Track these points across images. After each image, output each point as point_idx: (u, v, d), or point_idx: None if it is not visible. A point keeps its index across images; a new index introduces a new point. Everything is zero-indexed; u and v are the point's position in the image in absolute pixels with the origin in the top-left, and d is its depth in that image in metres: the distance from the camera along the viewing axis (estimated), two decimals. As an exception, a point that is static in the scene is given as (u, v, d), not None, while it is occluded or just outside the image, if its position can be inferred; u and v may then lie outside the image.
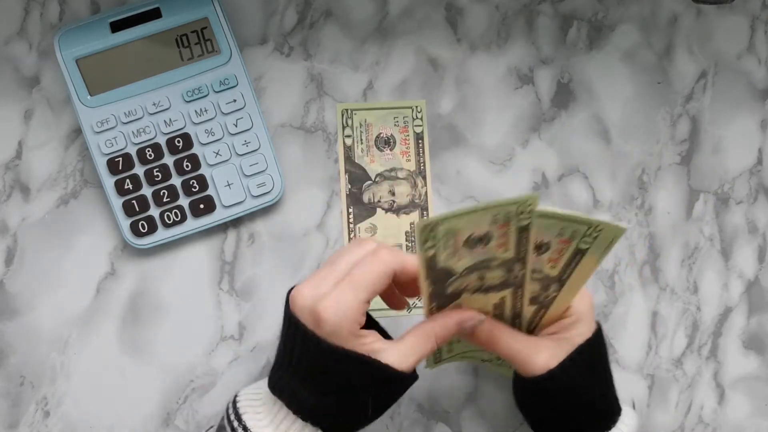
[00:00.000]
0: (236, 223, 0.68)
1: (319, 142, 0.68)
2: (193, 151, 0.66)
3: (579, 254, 0.54)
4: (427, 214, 0.68)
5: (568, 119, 0.69)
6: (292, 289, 0.55)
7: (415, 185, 0.68)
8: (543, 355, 0.57)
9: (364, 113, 0.68)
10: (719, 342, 0.68)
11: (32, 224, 0.67)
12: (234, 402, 0.57)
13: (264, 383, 0.57)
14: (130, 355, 0.67)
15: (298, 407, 0.54)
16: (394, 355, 0.54)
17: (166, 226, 0.66)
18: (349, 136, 0.68)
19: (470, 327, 0.56)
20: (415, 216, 0.68)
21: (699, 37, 0.69)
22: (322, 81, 0.68)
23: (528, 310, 0.58)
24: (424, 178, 0.68)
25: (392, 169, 0.68)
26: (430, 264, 0.52)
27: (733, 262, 0.69)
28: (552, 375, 0.56)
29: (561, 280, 0.56)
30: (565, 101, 0.69)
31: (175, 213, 0.66)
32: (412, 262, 0.54)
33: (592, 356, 0.58)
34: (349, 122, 0.68)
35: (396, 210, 0.68)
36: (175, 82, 0.65)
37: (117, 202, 0.66)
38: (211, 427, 0.61)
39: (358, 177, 0.68)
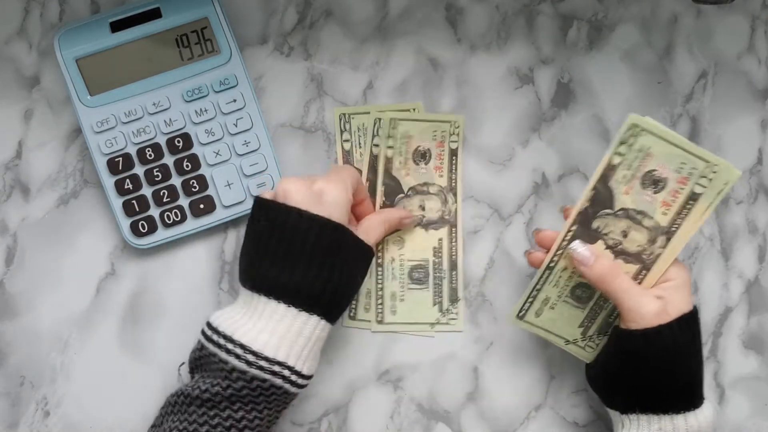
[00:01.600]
0: (236, 223, 0.68)
1: (319, 142, 0.68)
2: (193, 151, 0.66)
3: (692, 200, 0.55)
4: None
5: (568, 119, 0.69)
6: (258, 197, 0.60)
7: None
8: (656, 305, 0.57)
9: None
10: (719, 342, 0.68)
11: (32, 224, 0.67)
12: (214, 327, 0.58)
13: (239, 301, 0.59)
14: (130, 355, 0.67)
15: (293, 297, 0.57)
16: (362, 233, 0.61)
17: (166, 226, 0.66)
18: (347, 141, 0.68)
19: (407, 224, 0.66)
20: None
21: (699, 37, 0.69)
22: (322, 81, 0.68)
23: (628, 269, 0.58)
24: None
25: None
26: (386, 167, 0.60)
27: (733, 262, 0.69)
28: (661, 330, 0.56)
29: (669, 232, 0.56)
30: (565, 101, 0.69)
31: (175, 213, 0.66)
32: (365, 187, 0.65)
33: (696, 330, 0.58)
34: (347, 126, 0.68)
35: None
36: (175, 82, 0.65)
37: (117, 202, 0.66)
38: (182, 363, 0.61)
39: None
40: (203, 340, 0.58)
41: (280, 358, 0.56)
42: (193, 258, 0.67)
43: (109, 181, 0.65)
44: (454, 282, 0.67)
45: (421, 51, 0.69)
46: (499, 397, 0.67)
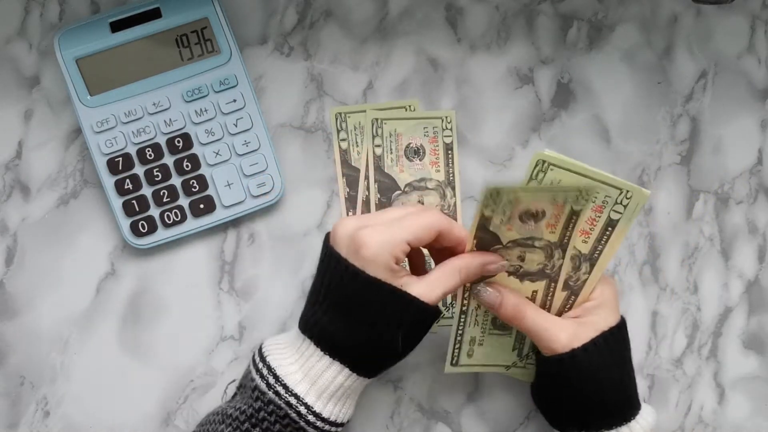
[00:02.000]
0: (236, 223, 0.68)
1: (319, 142, 0.68)
2: (193, 151, 0.66)
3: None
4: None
5: (568, 119, 0.69)
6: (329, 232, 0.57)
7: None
8: (566, 333, 0.57)
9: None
10: (719, 342, 0.68)
11: (32, 224, 0.67)
12: (260, 348, 0.58)
13: (291, 332, 0.59)
14: (130, 355, 0.67)
15: (326, 343, 0.55)
16: (422, 287, 0.55)
17: (166, 226, 0.66)
18: (344, 140, 0.68)
19: (493, 270, 0.57)
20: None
21: (699, 37, 0.69)
22: (322, 81, 0.68)
23: (559, 297, 0.59)
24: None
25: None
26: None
27: (733, 262, 0.69)
28: (574, 355, 0.57)
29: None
30: (565, 101, 0.69)
31: (175, 213, 0.66)
32: (459, 227, 0.57)
33: (616, 345, 0.59)
34: (344, 125, 0.68)
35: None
36: (175, 82, 0.65)
37: (117, 202, 0.66)
38: (234, 380, 0.61)
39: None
40: (251, 359, 0.59)
41: (299, 392, 0.55)
42: (193, 258, 0.67)
43: (109, 181, 0.65)
44: None
45: (421, 51, 0.69)
46: (499, 397, 0.67)
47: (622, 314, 0.60)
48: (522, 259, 0.57)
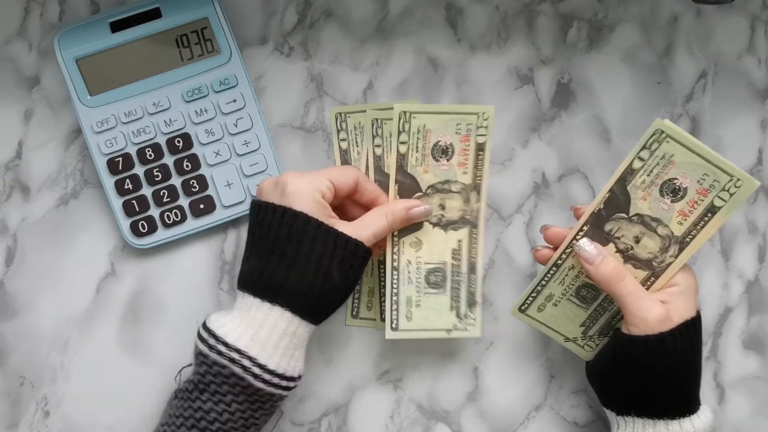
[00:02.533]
0: (236, 223, 0.68)
1: (319, 142, 0.68)
2: (193, 151, 0.66)
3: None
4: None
5: (568, 119, 0.69)
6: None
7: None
8: (656, 314, 0.56)
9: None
10: (719, 342, 0.68)
11: (32, 224, 0.67)
12: (203, 323, 0.58)
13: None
14: (130, 355, 0.67)
15: (261, 288, 0.56)
16: (350, 228, 0.58)
17: (166, 226, 0.66)
18: (344, 140, 0.67)
19: (417, 214, 0.60)
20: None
21: (699, 37, 0.69)
22: (322, 81, 0.68)
23: (637, 275, 0.58)
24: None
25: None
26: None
27: (733, 262, 0.69)
28: (662, 338, 0.56)
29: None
30: (565, 101, 0.69)
31: (175, 213, 0.66)
32: (375, 185, 0.61)
33: (695, 336, 0.58)
34: (344, 125, 0.67)
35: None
36: (175, 82, 0.65)
37: (117, 202, 0.66)
38: (189, 364, 0.61)
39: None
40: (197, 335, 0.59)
41: (240, 346, 0.55)
42: (193, 258, 0.67)
43: (109, 181, 0.65)
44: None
45: (421, 51, 0.69)
46: (499, 397, 0.67)
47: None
48: (443, 207, 0.57)
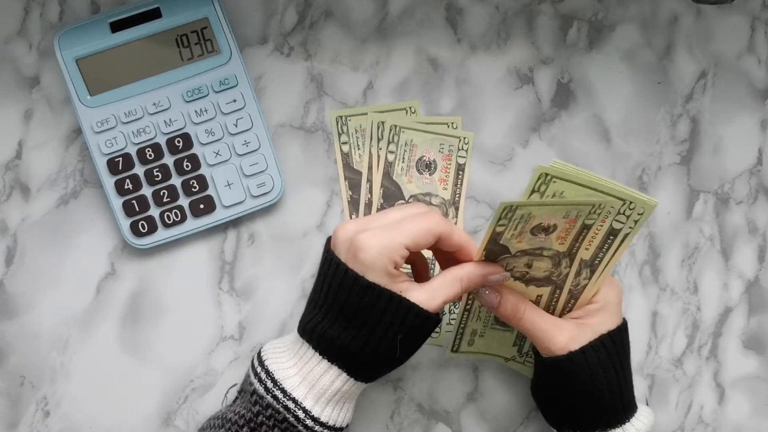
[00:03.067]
0: (236, 223, 0.68)
1: (319, 142, 0.68)
2: (193, 151, 0.66)
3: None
4: None
5: (568, 119, 0.69)
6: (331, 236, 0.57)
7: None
8: (564, 335, 0.57)
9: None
10: (719, 342, 0.68)
11: (32, 224, 0.67)
12: (258, 352, 0.58)
13: (290, 336, 0.59)
14: (130, 355, 0.67)
15: (325, 347, 0.55)
16: (422, 294, 0.55)
17: (166, 226, 0.66)
18: (345, 143, 0.68)
19: (494, 281, 0.57)
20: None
21: (699, 37, 0.69)
22: (322, 81, 0.68)
23: (542, 291, 0.59)
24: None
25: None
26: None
27: (733, 262, 0.69)
28: (571, 357, 0.57)
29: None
30: (565, 101, 0.69)
31: (175, 213, 0.66)
32: (459, 233, 0.56)
33: (614, 349, 0.59)
34: (345, 128, 0.67)
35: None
36: (175, 82, 0.65)
37: (117, 202, 0.66)
38: (234, 384, 0.62)
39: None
40: (249, 364, 0.59)
41: (297, 396, 0.55)
42: (193, 258, 0.67)
43: (109, 181, 0.65)
44: None
45: (421, 51, 0.69)
46: (499, 397, 0.67)
47: (625, 317, 0.60)
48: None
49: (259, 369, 0.57)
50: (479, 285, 0.57)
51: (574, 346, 0.57)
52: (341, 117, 0.68)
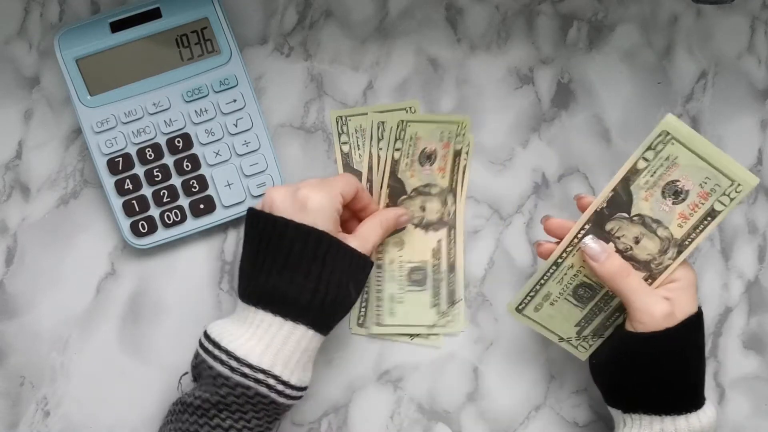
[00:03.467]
0: (236, 223, 0.68)
1: (319, 142, 0.68)
2: (193, 151, 0.66)
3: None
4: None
5: (568, 119, 0.69)
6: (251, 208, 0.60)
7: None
8: (663, 308, 0.57)
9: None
10: (719, 342, 0.68)
11: (32, 224, 0.67)
12: (206, 334, 0.59)
13: (233, 315, 0.59)
14: (130, 355, 0.67)
15: (281, 305, 0.57)
16: (357, 241, 0.60)
17: (166, 226, 0.66)
18: (345, 143, 0.68)
19: (404, 221, 0.64)
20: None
21: (699, 37, 0.69)
22: (322, 81, 0.68)
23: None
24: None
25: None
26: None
27: (733, 262, 0.69)
28: (668, 334, 0.56)
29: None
30: (565, 101, 0.69)
31: (175, 213, 0.66)
32: (367, 192, 0.64)
33: (698, 331, 0.59)
34: (344, 128, 0.67)
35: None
36: (175, 82, 0.65)
37: (117, 202, 0.66)
38: (185, 373, 0.62)
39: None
40: (198, 348, 0.59)
41: (265, 366, 0.56)
42: (193, 258, 0.67)
43: (109, 181, 0.65)
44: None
45: (421, 51, 0.69)
46: (499, 397, 0.67)
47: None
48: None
49: (216, 352, 0.57)
50: (393, 227, 0.63)
51: (670, 322, 0.56)
52: (341, 117, 0.68)
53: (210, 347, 0.58)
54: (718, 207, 0.55)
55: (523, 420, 0.67)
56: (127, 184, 0.65)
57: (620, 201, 0.56)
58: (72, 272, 0.67)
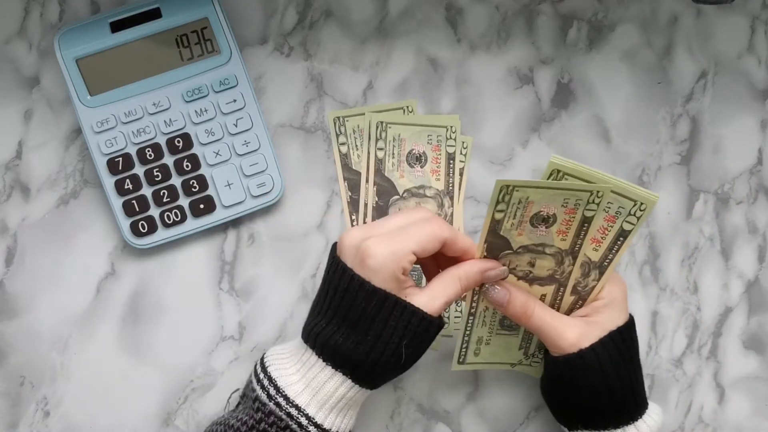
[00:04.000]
0: (236, 223, 0.68)
1: (319, 142, 0.68)
2: (193, 151, 0.66)
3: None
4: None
5: (568, 119, 0.69)
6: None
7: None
8: (574, 333, 0.57)
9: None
10: (719, 342, 0.68)
11: (32, 224, 0.67)
12: (261, 359, 0.58)
13: (293, 342, 0.58)
14: (130, 355, 0.67)
15: (329, 353, 0.55)
16: (424, 298, 0.55)
17: (166, 226, 0.66)
18: (343, 144, 0.67)
19: (493, 276, 0.57)
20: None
21: (699, 37, 0.69)
22: (322, 81, 0.68)
23: (567, 301, 0.59)
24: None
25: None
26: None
27: (733, 262, 0.69)
28: (582, 355, 0.57)
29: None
30: (565, 101, 0.69)
31: (175, 213, 0.66)
32: (463, 237, 0.57)
33: (623, 344, 0.59)
34: (342, 129, 0.67)
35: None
36: (175, 82, 0.65)
37: (117, 202, 0.66)
38: (237, 389, 0.61)
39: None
40: (252, 370, 0.59)
41: (300, 402, 0.55)
42: (193, 258, 0.67)
43: (109, 181, 0.65)
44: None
45: (421, 51, 0.69)
46: (499, 397, 0.67)
47: (630, 313, 0.60)
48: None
49: (261, 375, 0.57)
50: (478, 282, 0.57)
51: (585, 343, 0.57)
52: (339, 118, 0.68)
53: (259, 369, 0.58)
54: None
55: (523, 420, 0.67)
56: (127, 184, 0.65)
57: (498, 245, 0.55)
58: (72, 272, 0.67)
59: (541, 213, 0.54)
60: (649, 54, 0.69)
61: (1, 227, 0.67)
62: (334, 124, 0.68)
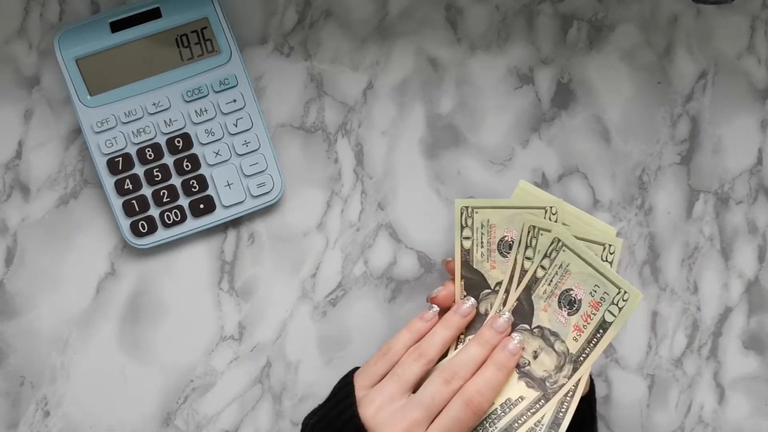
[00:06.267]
0: (236, 223, 0.68)
1: (319, 142, 0.68)
2: (193, 151, 0.66)
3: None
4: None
5: (568, 119, 0.69)
6: (349, 373, 0.58)
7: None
8: None
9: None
10: (719, 342, 0.68)
11: (32, 224, 0.67)
12: None
13: None
14: (130, 355, 0.67)
15: None
16: None
17: (166, 226, 0.66)
18: (467, 238, 0.59)
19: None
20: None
21: (699, 37, 0.69)
22: (322, 81, 0.68)
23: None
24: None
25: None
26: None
27: (733, 262, 0.69)
28: None
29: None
30: (565, 101, 0.69)
31: (175, 213, 0.66)
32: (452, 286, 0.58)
33: (582, 414, 0.57)
34: (469, 222, 0.59)
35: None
36: (175, 82, 0.65)
37: (117, 202, 0.66)
38: None
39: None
40: None
41: None
42: (193, 258, 0.67)
43: (109, 181, 0.65)
44: None
45: (421, 51, 0.69)
46: (499, 397, 0.67)
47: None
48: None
49: None
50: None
51: None
52: (467, 208, 0.59)
53: None
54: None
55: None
56: (127, 184, 0.65)
57: (523, 311, 0.54)
58: (72, 272, 0.67)
59: (571, 293, 0.52)
60: (649, 54, 0.69)
61: (1, 227, 0.67)
62: (461, 214, 0.59)
